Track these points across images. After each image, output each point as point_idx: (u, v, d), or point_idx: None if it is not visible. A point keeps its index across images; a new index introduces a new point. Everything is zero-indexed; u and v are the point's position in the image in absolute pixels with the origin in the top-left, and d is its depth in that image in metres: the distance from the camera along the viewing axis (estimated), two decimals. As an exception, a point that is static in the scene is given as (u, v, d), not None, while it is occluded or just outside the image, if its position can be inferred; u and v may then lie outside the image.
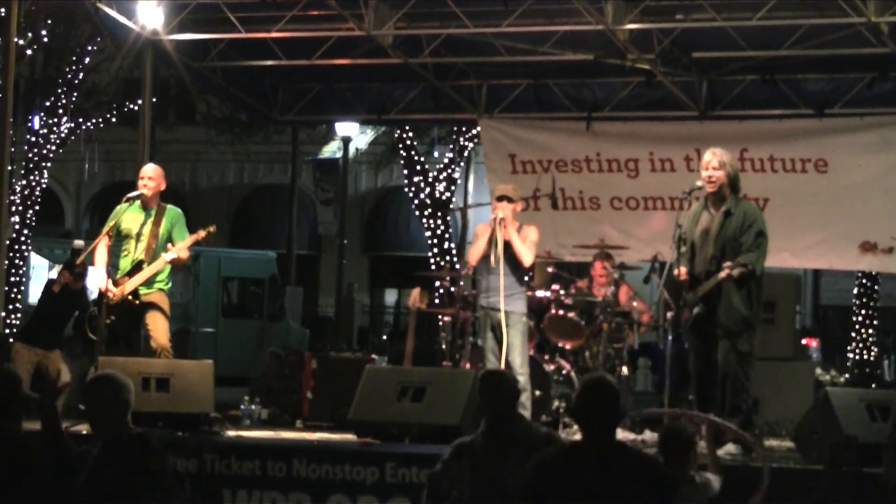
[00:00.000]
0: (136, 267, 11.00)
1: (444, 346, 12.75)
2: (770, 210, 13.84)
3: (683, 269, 10.04)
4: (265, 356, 15.56)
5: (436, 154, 28.14)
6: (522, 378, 10.88)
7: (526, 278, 11.41)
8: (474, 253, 11.20)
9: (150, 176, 11.25)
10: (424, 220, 25.04)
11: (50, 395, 6.98)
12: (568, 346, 12.39)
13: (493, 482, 7.02)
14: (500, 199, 11.15)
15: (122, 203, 11.16)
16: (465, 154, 26.18)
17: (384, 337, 30.95)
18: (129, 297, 10.95)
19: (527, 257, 11.06)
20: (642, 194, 14.83)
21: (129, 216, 11.16)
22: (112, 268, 11.27)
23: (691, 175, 12.01)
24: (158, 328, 10.96)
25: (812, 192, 14.21)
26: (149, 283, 11.04)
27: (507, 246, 11.01)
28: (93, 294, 11.88)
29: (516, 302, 11.12)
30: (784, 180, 14.24)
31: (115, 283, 10.98)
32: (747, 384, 9.86)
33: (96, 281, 11.25)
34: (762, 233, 9.93)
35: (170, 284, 11.27)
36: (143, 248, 11.05)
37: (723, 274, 9.69)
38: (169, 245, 11.04)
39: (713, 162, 10.05)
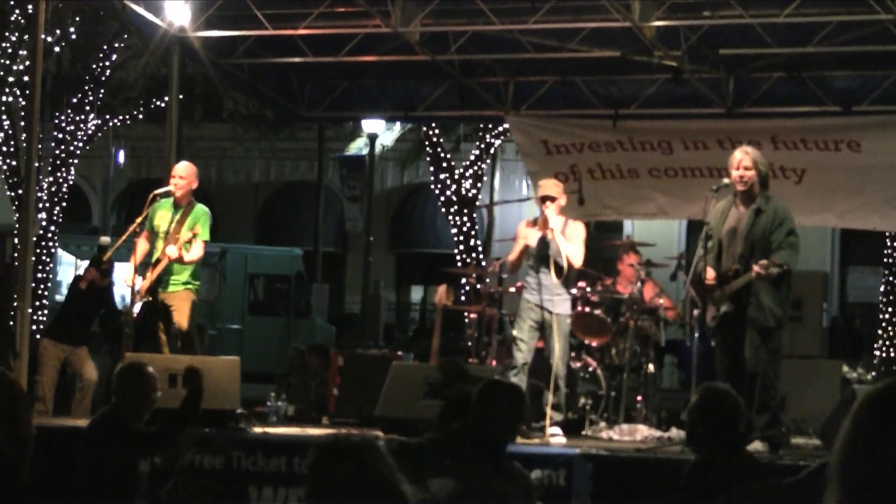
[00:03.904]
0: (157, 265, 11.05)
1: (470, 343, 12.76)
2: (808, 179, 13.88)
3: (711, 274, 9.99)
4: (290, 352, 15.61)
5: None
6: (562, 382, 10.99)
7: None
8: (516, 255, 11.16)
9: (182, 175, 11.27)
10: (451, 217, 25.00)
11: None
12: (594, 344, 12.38)
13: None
14: (544, 199, 11.07)
15: (151, 198, 11.21)
16: (492, 151, 26.13)
17: (410, 334, 30.90)
18: (148, 297, 10.99)
19: (577, 260, 11.07)
20: (679, 166, 14.71)
21: (160, 214, 11.21)
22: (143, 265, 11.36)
23: (724, 153, 11.84)
24: (182, 313, 11.04)
25: (848, 165, 13.96)
26: (174, 283, 11.06)
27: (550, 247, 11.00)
28: (118, 289, 11.92)
29: (564, 304, 11.17)
30: (819, 156, 14.05)
31: (144, 279, 11.07)
32: (776, 381, 9.85)
33: (123, 277, 11.33)
34: (793, 231, 9.87)
35: (197, 283, 11.29)
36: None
37: (756, 273, 9.63)
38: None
39: (745, 161, 9.99)
